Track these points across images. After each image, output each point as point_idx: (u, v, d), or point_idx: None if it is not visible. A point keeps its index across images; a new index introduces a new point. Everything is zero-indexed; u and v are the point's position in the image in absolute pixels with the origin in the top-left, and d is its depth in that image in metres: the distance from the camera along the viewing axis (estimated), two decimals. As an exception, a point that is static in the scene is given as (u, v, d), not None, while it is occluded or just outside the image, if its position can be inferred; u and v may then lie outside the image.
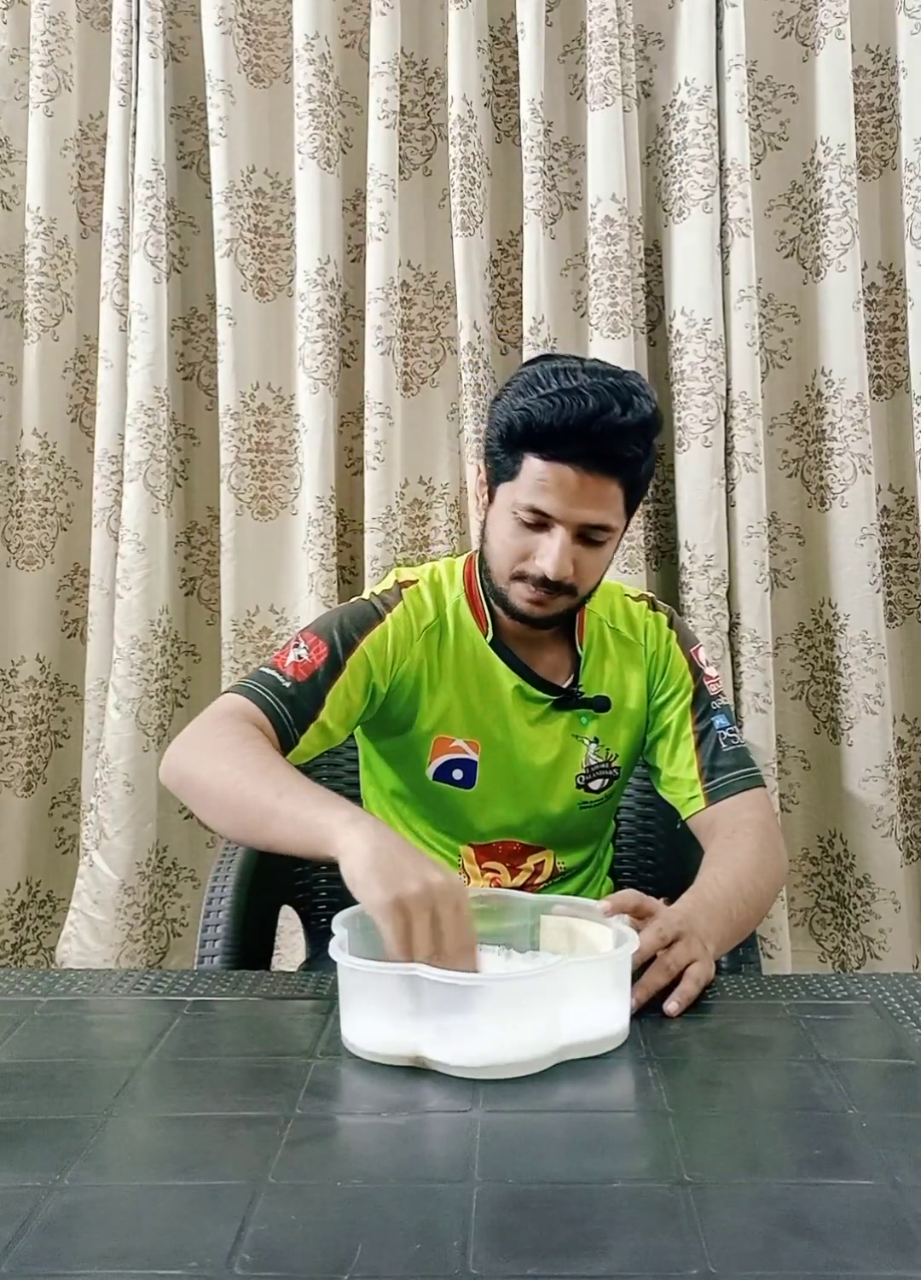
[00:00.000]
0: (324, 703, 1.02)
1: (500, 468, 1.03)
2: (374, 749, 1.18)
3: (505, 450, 1.02)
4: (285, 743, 0.99)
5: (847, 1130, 0.63)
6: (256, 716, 0.98)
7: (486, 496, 1.09)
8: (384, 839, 0.79)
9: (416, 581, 1.13)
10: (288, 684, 1.01)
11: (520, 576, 1.04)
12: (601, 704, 1.14)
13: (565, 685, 1.14)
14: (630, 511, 1.05)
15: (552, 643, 1.13)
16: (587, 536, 1.02)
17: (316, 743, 1.03)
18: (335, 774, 1.38)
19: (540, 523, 1.01)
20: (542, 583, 1.02)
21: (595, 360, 1.03)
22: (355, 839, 0.78)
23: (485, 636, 1.12)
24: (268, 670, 1.03)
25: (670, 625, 1.18)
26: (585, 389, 0.95)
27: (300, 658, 1.03)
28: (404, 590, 1.11)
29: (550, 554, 1.00)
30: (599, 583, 1.10)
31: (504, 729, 1.12)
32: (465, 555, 1.19)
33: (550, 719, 1.14)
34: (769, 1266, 0.50)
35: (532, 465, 0.99)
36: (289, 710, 1.00)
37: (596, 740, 1.15)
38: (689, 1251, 0.50)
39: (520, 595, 1.05)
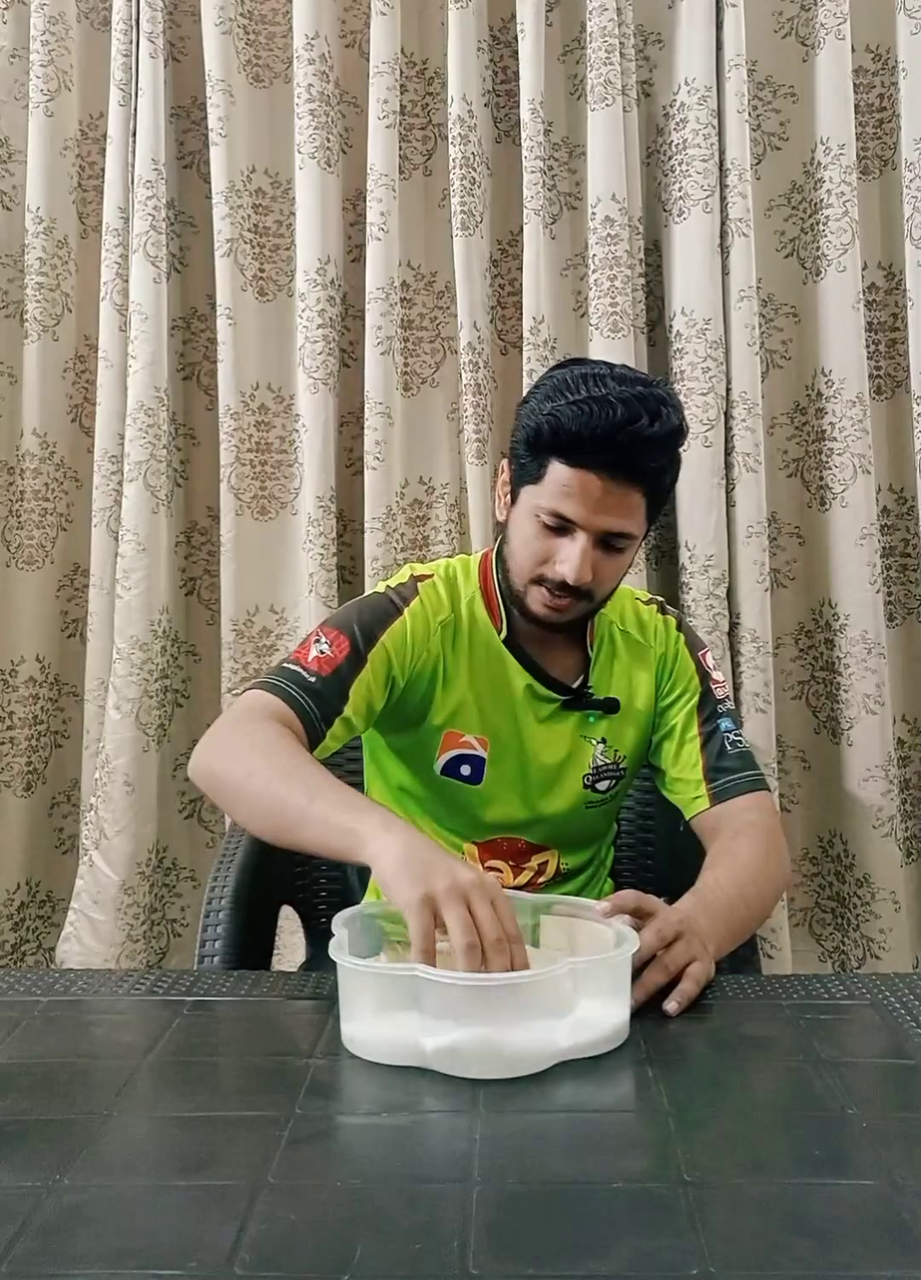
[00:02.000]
0: (348, 697, 1.02)
1: (525, 470, 1.03)
2: (383, 743, 1.18)
3: (531, 454, 1.02)
4: (313, 737, 0.99)
5: (847, 1130, 0.63)
6: (284, 713, 0.98)
7: (509, 497, 1.09)
8: (415, 840, 0.79)
9: (431, 576, 1.13)
10: (313, 679, 1.01)
11: (539, 580, 1.05)
12: (610, 706, 1.15)
13: (575, 685, 1.14)
14: (652, 519, 1.06)
15: (564, 643, 1.14)
16: (608, 543, 1.02)
17: (340, 736, 1.03)
18: (334, 773, 1.38)
19: (562, 527, 1.01)
20: (561, 587, 1.03)
21: (624, 367, 1.03)
22: (386, 844, 0.78)
23: (499, 634, 1.12)
24: (291, 666, 1.03)
25: (679, 628, 1.19)
26: (614, 397, 0.95)
27: (323, 652, 1.03)
28: (419, 584, 1.11)
29: (570, 559, 1.00)
30: (615, 588, 1.10)
31: (513, 727, 1.12)
32: (480, 552, 1.19)
33: (559, 719, 1.14)
34: (769, 1267, 0.50)
35: (557, 470, 0.99)
36: (316, 705, 1.00)
37: (604, 741, 1.15)
38: (689, 1251, 0.50)
39: (538, 599, 1.06)
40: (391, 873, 0.76)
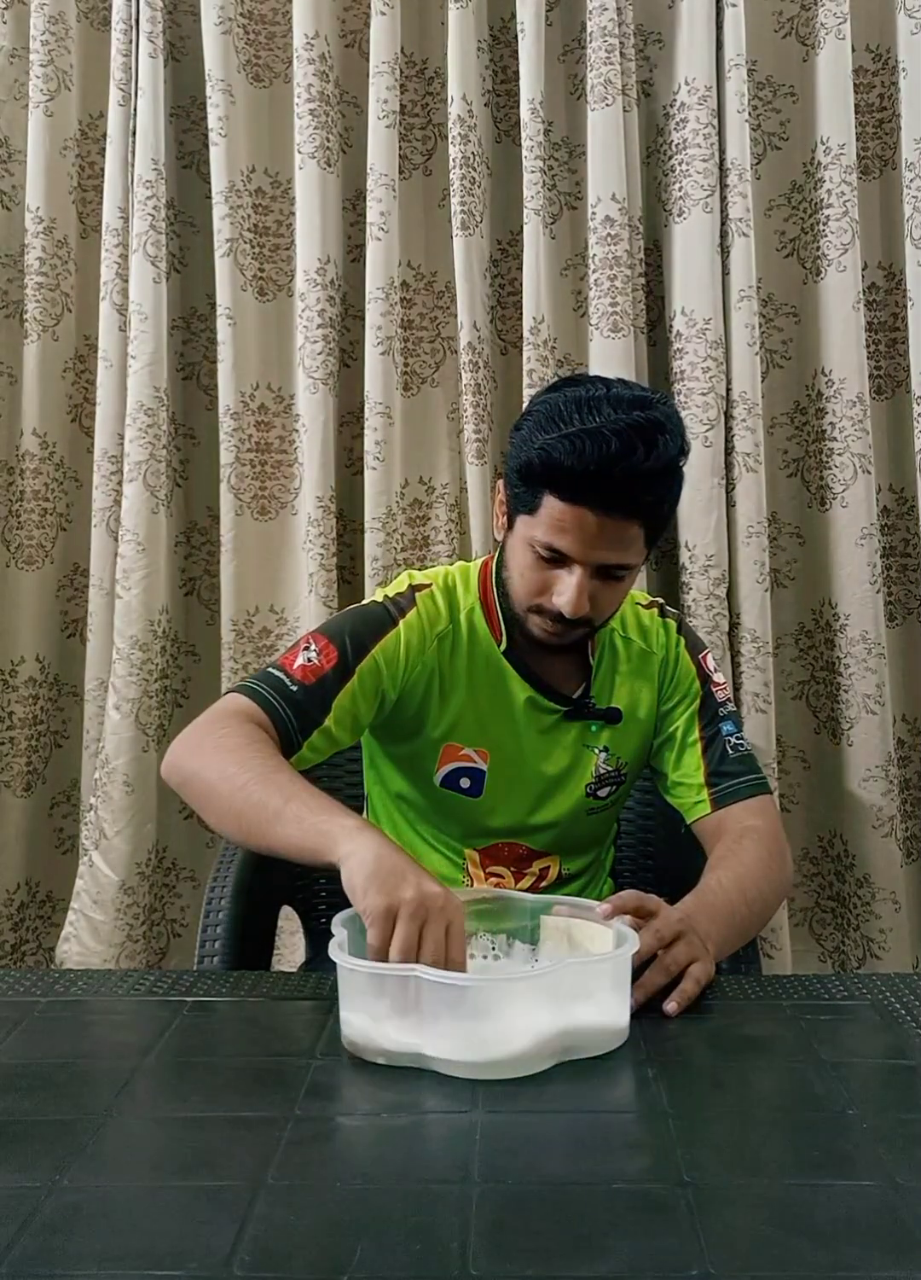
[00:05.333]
0: (330, 709, 1.01)
1: (519, 500, 1.01)
2: (380, 751, 1.18)
3: (524, 484, 0.99)
4: (288, 747, 0.98)
5: (847, 1131, 0.63)
6: (260, 718, 0.97)
7: (505, 521, 1.07)
8: (387, 848, 0.79)
9: (430, 585, 1.11)
10: (294, 687, 1.00)
11: (538, 610, 1.03)
12: (613, 716, 1.14)
13: (576, 696, 1.13)
14: (653, 545, 1.04)
15: (565, 654, 1.12)
16: (607, 573, 1.00)
17: (321, 747, 1.02)
18: (335, 775, 1.38)
19: (558, 559, 0.99)
20: (560, 616, 1.01)
21: (621, 385, 0.99)
22: (358, 846, 0.78)
23: (499, 646, 1.11)
24: (274, 671, 1.02)
25: (679, 631, 1.18)
26: (607, 429, 0.92)
27: (309, 661, 1.02)
28: (417, 594, 1.10)
29: (567, 593, 0.99)
30: (617, 610, 1.09)
31: (514, 739, 1.12)
32: (480, 560, 1.18)
33: (561, 729, 1.13)
34: (769, 1267, 0.50)
35: (552, 504, 0.96)
36: (293, 714, 0.99)
37: (607, 749, 1.15)
38: (689, 1251, 0.50)
39: (537, 625, 1.05)
40: (361, 879, 0.76)
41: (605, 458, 0.92)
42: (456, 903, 0.77)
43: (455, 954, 0.75)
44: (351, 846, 0.78)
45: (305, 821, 0.83)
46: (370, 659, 1.04)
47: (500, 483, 1.09)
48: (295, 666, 1.02)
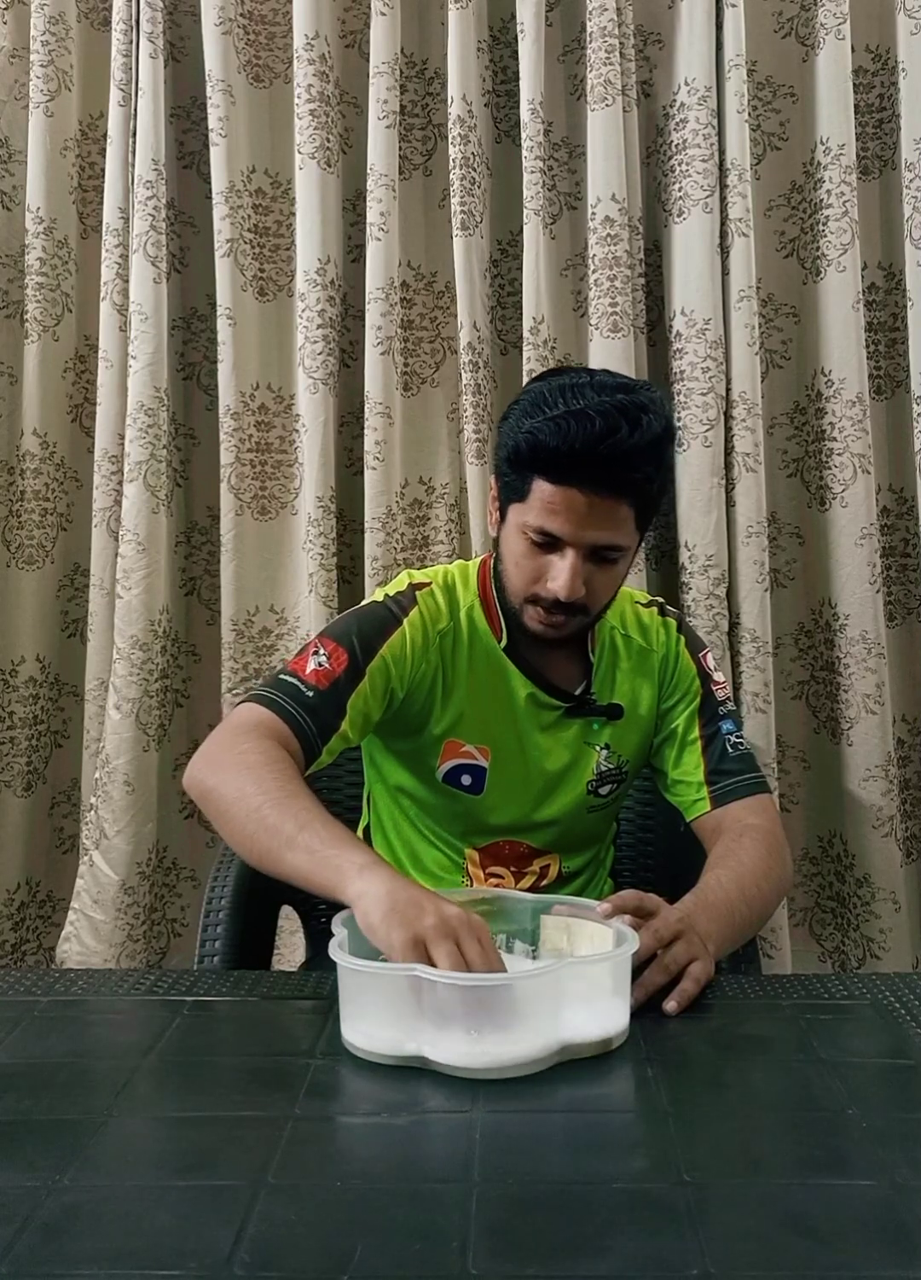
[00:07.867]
0: (345, 712, 1.02)
1: (509, 488, 1.02)
2: (381, 746, 1.18)
3: (514, 471, 1.01)
4: (309, 754, 0.99)
5: (847, 1130, 0.63)
6: (280, 729, 0.97)
7: (498, 516, 1.08)
8: (398, 882, 0.78)
9: (429, 584, 1.12)
10: (310, 693, 1.00)
11: (533, 599, 1.04)
12: (613, 712, 1.14)
13: (577, 693, 1.14)
14: (644, 528, 1.04)
15: (565, 651, 1.13)
16: (600, 555, 1.01)
17: (336, 750, 1.03)
18: (335, 773, 1.38)
19: (550, 543, 1.00)
20: (556, 605, 1.02)
21: (605, 373, 1.01)
22: (369, 883, 0.78)
23: (499, 643, 1.11)
24: (288, 678, 1.02)
25: (680, 630, 1.19)
26: (592, 410, 0.93)
27: (320, 665, 1.02)
28: (417, 593, 1.10)
29: (560, 577, 0.99)
30: (613, 598, 1.10)
31: (515, 736, 1.12)
32: (478, 559, 1.19)
33: (562, 726, 1.14)
34: (769, 1267, 0.50)
35: (541, 488, 0.98)
36: (312, 722, 0.99)
37: (608, 747, 1.15)
38: (689, 1251, 0.50)
39: (534, 617, 1.05)
40: (379, 916, 0.75)
41: (590, 437, 0.93)
42: (478, 919, 0.77)
43: (495, 964, 0.75)
44: (362, 885, 0.78)
45: (317, 853, 0.82)
46: (379, 658, 1.04)
47: (493, 478, 1.09)
48: (308, 672, 1.02)
